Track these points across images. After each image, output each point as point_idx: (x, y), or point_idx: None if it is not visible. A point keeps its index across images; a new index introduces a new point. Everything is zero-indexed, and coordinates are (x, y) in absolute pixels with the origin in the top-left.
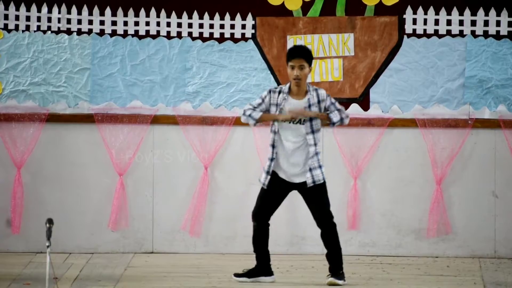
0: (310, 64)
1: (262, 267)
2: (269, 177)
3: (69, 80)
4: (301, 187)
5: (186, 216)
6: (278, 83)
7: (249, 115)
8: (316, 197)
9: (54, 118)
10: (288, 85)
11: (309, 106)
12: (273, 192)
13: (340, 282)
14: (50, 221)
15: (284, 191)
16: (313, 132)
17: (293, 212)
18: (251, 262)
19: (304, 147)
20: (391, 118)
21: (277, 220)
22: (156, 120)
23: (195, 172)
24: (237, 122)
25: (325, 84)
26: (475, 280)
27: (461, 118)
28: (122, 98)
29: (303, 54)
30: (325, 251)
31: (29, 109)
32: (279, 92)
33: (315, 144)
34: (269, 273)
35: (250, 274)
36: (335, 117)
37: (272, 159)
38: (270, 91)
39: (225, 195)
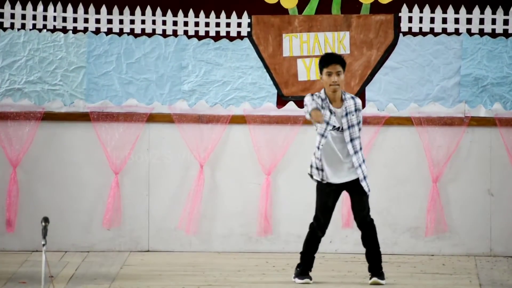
0: (344, 70)
1: (310, 270)
2: (322, 172)
3: (65, 79)
4: (349, 185)
5: (182, 214)
6: (274, 81)
7: (311, 109)
8: (362, 197)
9: (50, 117)
10: (323, 91)
11: (346, 114)
12: (330, 198)
13: (383, 282)
14: (45, 220)
15: (336, 192)
16: (351, 140)
17: (289, 210)
18: (247, 260)
19: (346, 153)
20: (386, 116)
21: (272, 219)
22: (152, 118)
23: (191, 170)
24: (233, 120)
25: (321, 82)
26: (471, 278)
27: (457, 116)
28: (117, 97)
29: (339, 60)
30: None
31: (25, 108)
32: (322, 100)
33: (352, 140)
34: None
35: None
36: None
37: (320, 159)
38: (314, 96)
39: (221, 193)
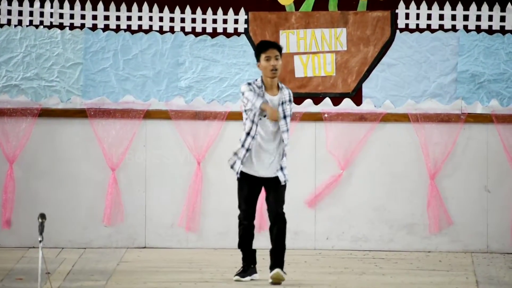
0: (281, 57)
1: (253, 264)
2: (241, 166)
3: (62, 75)
4: (268, 182)
5: (182, 212)
6: None
7: (254, 103)
8: (279, 192)
9: (47, 113)
10: (259, 79)
11: (282, 103)
12: (252, 188)
13: (285, 276)
14: (42, 216)
15: (259, 186)
16: (285, 117)
17: (285, 208)
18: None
19: (276, 144)
20: (383, 113)
21: (267, 216)
22: (149, 115)
23: (188, 167)
24: (229, 116)
25: (318, 79)
26: (467, 274)
27: (454, 113)
28: (114, 93)
29: (276, 46)
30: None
31: (22, 104)
32: (258, 87)
33: (288, 130)
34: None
35: (246, 273)
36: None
37: (248, 149)
38: (250, 84)
39: (217, 190)
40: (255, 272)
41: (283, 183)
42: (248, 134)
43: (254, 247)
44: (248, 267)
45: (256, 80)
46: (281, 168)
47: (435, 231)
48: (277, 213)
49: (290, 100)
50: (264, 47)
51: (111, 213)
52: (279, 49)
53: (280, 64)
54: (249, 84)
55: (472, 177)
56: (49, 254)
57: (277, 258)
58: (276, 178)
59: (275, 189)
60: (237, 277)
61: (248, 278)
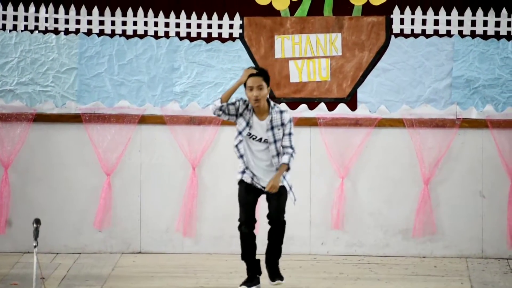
0: (268, 84)
1: (259, 274)
2: (245, 175)
3: (57, 80)
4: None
5: (179, 217)
6: None
7: (214, 103)
8: (281, 201)
9: (41, 118)
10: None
11: (272, 128)
12: (250, 195)
13: (283, 282)
14: (37, 221)
15: (256, 194)
16: (278, 154)
17: None
18: (238, 262)
19: (270, 159)
20: (378, 118)
21: (265, 220)
22: (144, 120)
23: (183, 172)
24: (224, 122)
25: (313, 84)
26: (462, 280)
27: (449, 118)
28: (109, 98)
29: (260, 74)
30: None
31: (16, 109)
32: (246, 106)
33: (278, 154)
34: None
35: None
36: (287, 159)
37: (243, 172)
38: (240, 100)
39: (212, 195)
40: (259, 283)
41: (287, 189)
42: (236, 147)
43: (260, 251)
44: (254, 276)
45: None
46: (290, 188)
47: (418, 236)
48: (278, 220)
49: (283, 124)
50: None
51: (102, 217)
52: (265, 76)
53: (265, 93)
54: (245, 101)
55: (467, 182)
56: (44, 259)
57: (273, 263)
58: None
59: (277, 197)
60: (244, 287)
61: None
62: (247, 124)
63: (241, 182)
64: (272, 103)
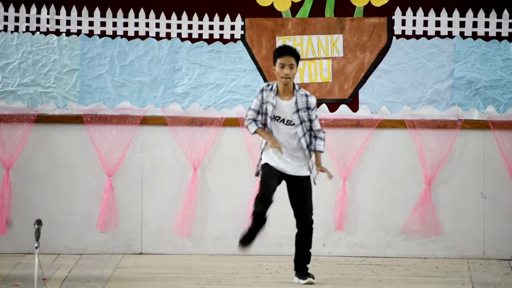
0: (298, 63)
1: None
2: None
3: (58, 81)
4: (293, 180)
5: (178, 218)
6: None
7: (247, 126)
8: (306, 197)
9: (43, 119)
10: (276, 83)
11: (297, 110)
12: (272, 175)
13: (314, 280)
14: (39, 222)
15: (280, 177)
16: (304, 135)
17: (282, 212)
18: (240, 262)
19: (295, 144)
20: (380, 119)
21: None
22: (145, 121)
23: (184, 173)
24: (226, 123)
25: (314, 85)
26: (464, 281)
27: (450, 119)
28: (111, 99)
29: (293, 53)
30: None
31: (18, 110)
32: (271, 90)
33: (304, 135)
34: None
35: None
36: (322, 146)
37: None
38: (262, 90)
39: (214, 196)
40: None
41: (312, 182)
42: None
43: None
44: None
45: (274, 82)
46: (309, 169)
47: (422, 237)
48: (307, 221)
49: (308, 108)
50: (280, 53)
51: (105, 219)
52: (296, 56)
53: (295, 72)
54: (268, 85)
55: (469, 183)
56: (46, 260)
57: (303, 265)
58: (301, 180)
59: (303, 193)
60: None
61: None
62: (274, 106)
63: (266, 165)
64: (296, 85)
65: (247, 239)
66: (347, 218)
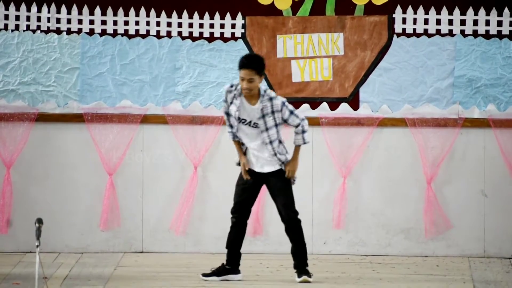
0: (261, 75)
1: (231, 266)
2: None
3: (59, 80)
4: (268, 177)
5: (174, 216)
6: (268, 83)
7: (230, 138)
8: (284, 193)
9: (44, 118)
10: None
11: (263, 116)
12: (250, 184)
13: (310, 279)
14: (39, 221)
15: (258, 182)
16: (271, 142)
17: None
18: (241, 261)
19: (264, 145)
20: (380, 117)
21: (266, 220)
22: (146, 119)
23: (185, 171)
24: None
25: (315, 83)
26: (465, 279)
27: (451, 117)
28: (111, 98)
29: (252, 66)
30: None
31: (19, 109)
32: (236, 90)
33: (271, 142)
34: (237, 271)
35: (218, 273)
36: (300, 140)
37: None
38: (227, 91)
39: (215, 194)
40: (234, 273)
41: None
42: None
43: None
44: (223, 266)
45: (238, 83)
46: (283, 162)
47: (432, 236)
48: (289, 216)
49: (274, 111)
50: (239, 66)
51: (107, 218)
52: (258, 69)
53: (256, 85)
54: (231, 86)
55: (469, 181)
56: (46, 258)
57: (299, 259)
58: (276, 176)
59: (274, 189)
60: (204, 277)
61: (221, 278)
62: (237, 108)
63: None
64: (262, 89)
65: (227, 242)
66: (348, 216)
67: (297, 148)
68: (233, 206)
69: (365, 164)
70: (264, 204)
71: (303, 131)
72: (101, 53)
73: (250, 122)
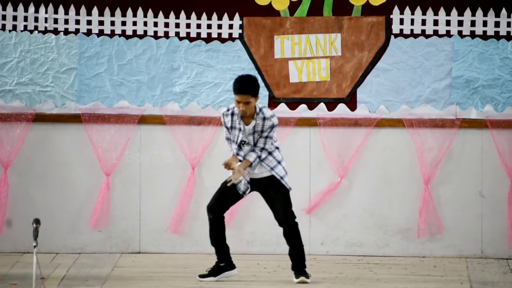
0: (256, 96)
1: (225, 262)
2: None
3: (56, 80)
4: (262, 184)
5: (172, 216)
6: (265, 83)
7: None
8: (281, 198)
9: (41, 118)
10: (235, 108)
11: (253, 133)
12: (233, 188)
13: (308, 280)
14: (37, 221)
15: (251, 188)
16: (255, 145)
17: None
18: (238, 262)
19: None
20: (378, 118)
21: (263, 220)
22: (143, 120)
23: (182, 172)
24: None
25: (312, 84)
26: (462, 280)
27: (448, 118)
28: (109, 98)
29: (248, 91)
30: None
31: (16, 109)
32: (232, 114)
33: (262, 149)
34: (232, 266)
35: (214, 272)
36: (252, 159)
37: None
38: (223, 115)
39: (212, 194)
40: (230, 269)
41: (278, 178)
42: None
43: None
44: (217, 265)
45: (234, 107)
46: (271, 168)
47: (424, 236)
48: (287, 220)
49: (262, 131)
50: (235, 91)
51: (98, 218)
52: (252, 91)
53: (252, 106)
54: (227, 110)
55: (467, 182)
56: (44, 259)
57: (297, 261)
58: (270, 181)
59: (275, 195)
60: (200, 278)
61: (218, 277)
62: (239, 130)
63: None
64: (258, 108)
65: (211, 240)
66: (345, 217)
67: (247, 162)
68: (211, 201)
69: (362, 165)
70: (262, 205)
71: (258, 156)
72: (99, 54)
73: (249, 143)
